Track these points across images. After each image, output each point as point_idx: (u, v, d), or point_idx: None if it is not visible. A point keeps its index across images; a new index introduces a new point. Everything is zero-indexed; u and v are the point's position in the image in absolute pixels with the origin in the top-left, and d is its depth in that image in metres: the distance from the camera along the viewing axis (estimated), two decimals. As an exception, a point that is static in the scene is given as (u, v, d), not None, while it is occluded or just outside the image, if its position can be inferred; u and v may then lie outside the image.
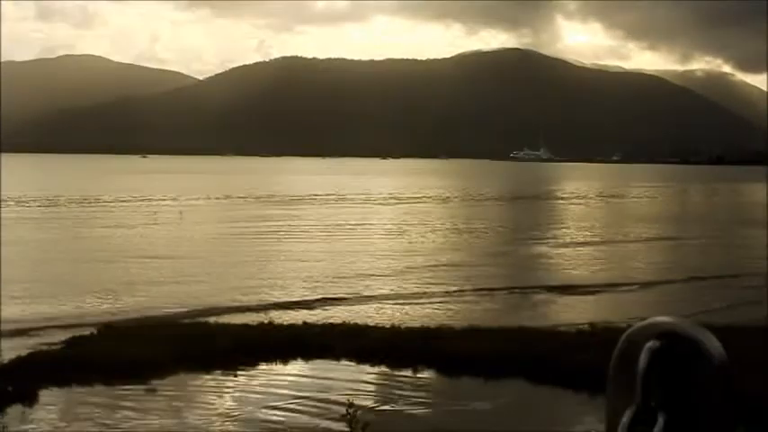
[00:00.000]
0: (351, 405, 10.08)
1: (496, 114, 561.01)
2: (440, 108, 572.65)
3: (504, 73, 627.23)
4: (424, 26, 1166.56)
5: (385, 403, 12.35)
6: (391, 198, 76.96)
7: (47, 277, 26.76)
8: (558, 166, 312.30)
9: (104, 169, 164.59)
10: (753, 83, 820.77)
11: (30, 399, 12.18)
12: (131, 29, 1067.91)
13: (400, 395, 12.76)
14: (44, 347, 15.27)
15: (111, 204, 63.46)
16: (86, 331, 16.44)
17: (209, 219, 52.86)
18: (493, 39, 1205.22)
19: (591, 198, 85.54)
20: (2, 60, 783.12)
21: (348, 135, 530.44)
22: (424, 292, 23.82)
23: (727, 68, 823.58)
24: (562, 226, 50.31)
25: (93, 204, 63.34)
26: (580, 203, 75.96)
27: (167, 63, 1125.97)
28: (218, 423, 11.58)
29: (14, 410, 11.73)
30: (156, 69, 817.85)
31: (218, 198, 74.12)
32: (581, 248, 37.46)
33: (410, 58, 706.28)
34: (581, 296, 23.77)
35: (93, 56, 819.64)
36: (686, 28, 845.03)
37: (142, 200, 67.68)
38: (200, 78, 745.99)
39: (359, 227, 46.17)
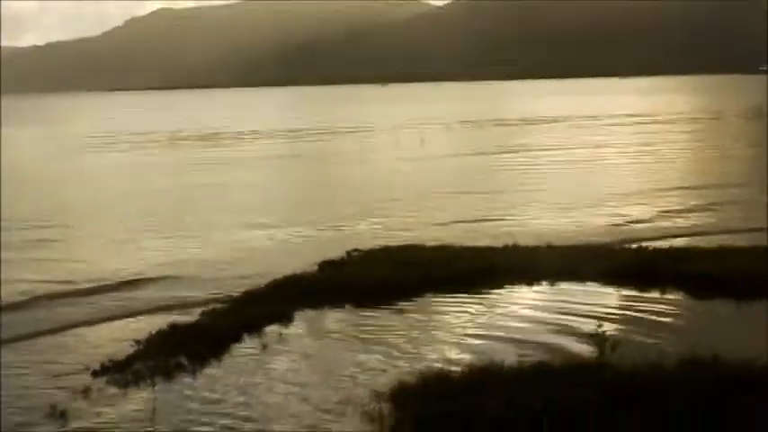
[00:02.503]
0: (600, 326, 9.90)
1: (739, 26, 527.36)
2: (672, 22, 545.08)
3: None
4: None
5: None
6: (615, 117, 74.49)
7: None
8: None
9: (346, 97, 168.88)
10: None
11: (286, 319, 12.80)
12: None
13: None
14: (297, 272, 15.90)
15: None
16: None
17: (448, 149, 53.12)
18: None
19: None
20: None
21: (588, 53, 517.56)
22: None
23: None
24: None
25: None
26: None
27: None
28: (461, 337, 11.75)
29: (272, 330, 12.33)
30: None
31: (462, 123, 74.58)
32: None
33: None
34: None
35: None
36: None
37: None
38: (439, 4, 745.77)
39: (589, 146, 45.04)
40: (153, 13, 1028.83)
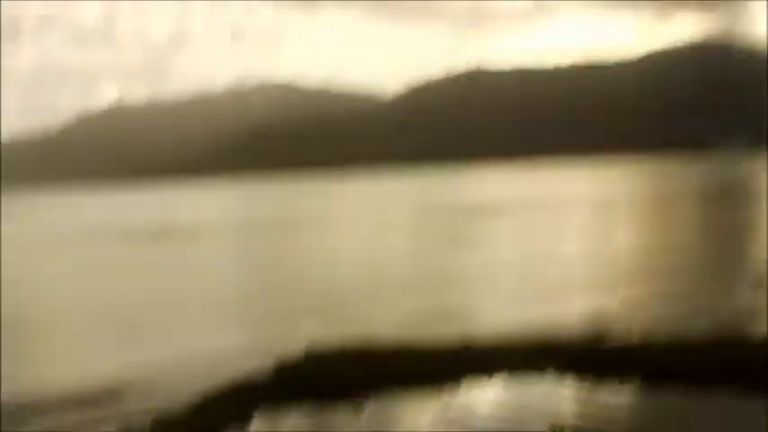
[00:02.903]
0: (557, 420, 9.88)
1: (698, 106, 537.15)
2: (638, 101, 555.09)
3: (703, 64, 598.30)
4: (614, 14, 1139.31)
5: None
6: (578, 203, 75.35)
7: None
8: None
9: (304, 187, 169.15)
10: None
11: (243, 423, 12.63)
12: (318, 47, 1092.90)
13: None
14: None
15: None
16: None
17: (406, 239, 53.19)
18: (689, 23, 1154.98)
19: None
20: (193, 90, 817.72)
21: (547, 136, 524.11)
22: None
23: None
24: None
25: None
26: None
27: (355, 80, 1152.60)
28: None
29: None
30: (346, 86, 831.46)
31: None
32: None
33: (597, 61, 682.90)
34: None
35: (280, 78, 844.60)
36: None
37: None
38: (388, 95, 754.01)
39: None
40: (106, 107, 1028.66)
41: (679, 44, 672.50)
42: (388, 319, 21.88)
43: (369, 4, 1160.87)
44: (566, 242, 42.94)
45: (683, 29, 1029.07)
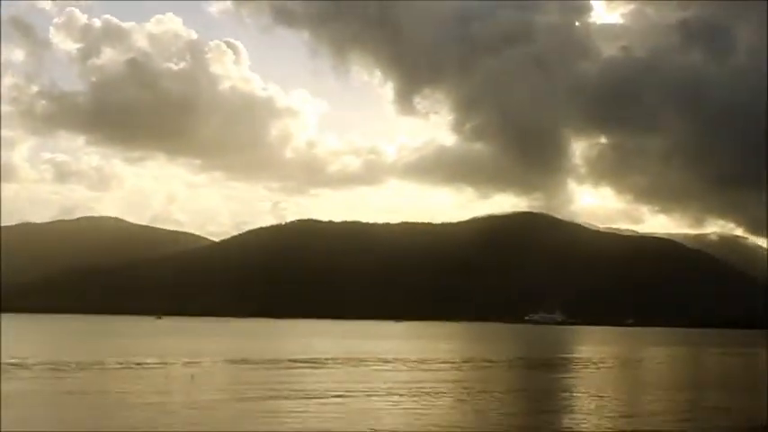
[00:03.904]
0: None
1: (510, 278, 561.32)
2: (454, 271, 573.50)
3: (517, 236, 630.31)
4: (436, 189, 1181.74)
5: None
6: (395, 361, 76.36)
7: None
8: (572, 329, 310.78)
9: (116, 332, 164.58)
10: (766, 246, 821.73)
11: None
12: (147, 191, 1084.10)
13: None
14: None
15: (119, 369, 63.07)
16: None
17: (220, 383, 52.38)
18: (505, 201, 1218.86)
19: (607, 364, 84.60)
20: (19, 221, 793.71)
21: (363, 297, 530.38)
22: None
23: (739, 232, 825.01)
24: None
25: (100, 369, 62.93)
26: (595, 371, 75.08)
27: (182, 225, 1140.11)
28: None
29: None
30: (172, 231, 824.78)
31: (231, 361, 73.73)
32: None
33: (425, 221, 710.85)
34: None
35: (109, 217, 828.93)
36: (698, 191, 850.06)
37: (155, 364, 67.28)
38: (215, 240, 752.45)
39: (361, 392, 45.66)
40: None
41: (494, 216, 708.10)
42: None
43: (198, 161, 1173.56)
44: (382, 398, 43.11)
45: (501, 205, 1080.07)
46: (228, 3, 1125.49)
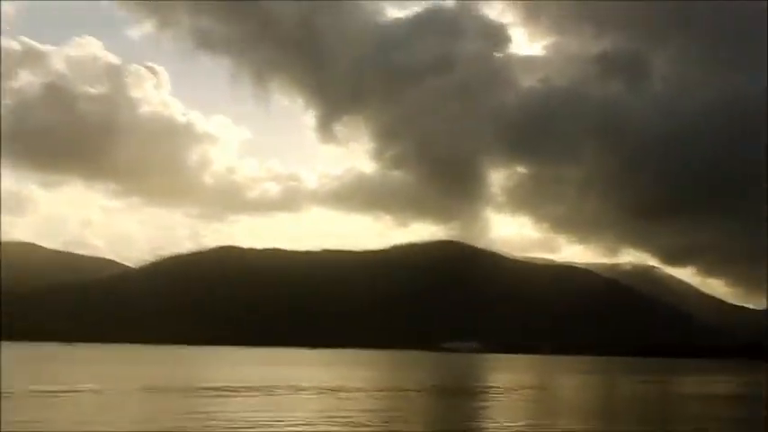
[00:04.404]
0: None
1: (428, 306, 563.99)
2: (373, 298, 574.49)
3: (435, 264, 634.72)
4: (356, 217, 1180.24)
5: None
6: (309, 389, 76.23)
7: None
8: (488, 357, 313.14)
9: (27, 358, 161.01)
10: (678, 276, 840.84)
11: None
12: (63, 215, 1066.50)
13: None
14: None
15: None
16: None
17: (127, 412, 51.75)
18: (424, 230, 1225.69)
19: (520, 391, 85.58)
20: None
21: (283, 324, 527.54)
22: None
23: (653, 262, 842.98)
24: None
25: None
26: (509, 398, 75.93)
27: (98, 250, 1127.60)
28: None
29: None
30: (87, 256, 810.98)
31: (144, 388, 72.78)
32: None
33: (346, 249, 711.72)
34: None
35: (24, 242, 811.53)
36: (613, 221, 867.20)
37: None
38: (132, 266, 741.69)
39: (274, 422, 45.60)
40: None
41: (413, 244, 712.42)
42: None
43: (116, 186, 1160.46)
44: (305, 426, 43.12)
45: (420, 234, 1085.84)
46: (150, 27, 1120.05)
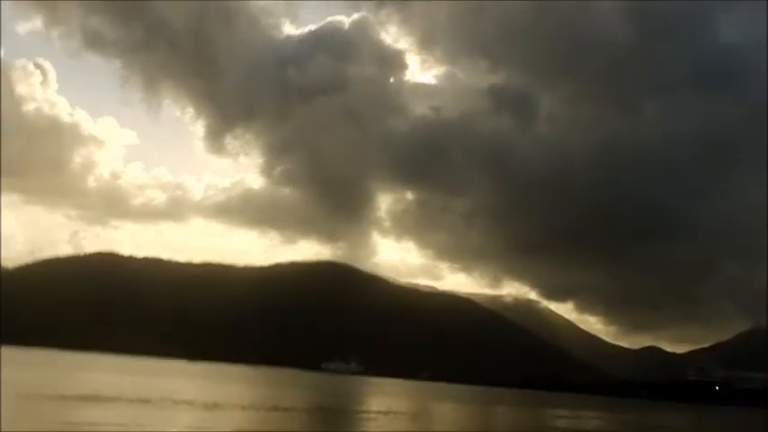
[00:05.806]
0: None
1: (309, 325, 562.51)
2: (253, 314, 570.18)
3: (319, 284, 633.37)
4: (241, 231, 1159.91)
5: None
6: (182, 403, 74.71)
7: None
8: (368, 380, 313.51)
9: None
10: (557, 310, 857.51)
11: None
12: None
13: None
14: None
15: None
16: None
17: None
18: (309, 248, 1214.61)
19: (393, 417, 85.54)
20: None
21: (158, 334, 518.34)
22: None
23: (532, 295, 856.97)
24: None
25: None
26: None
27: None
28: None
29: None
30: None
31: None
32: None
33: (227, 263, 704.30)
34: None
35: None
36: (497, 253, 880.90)
37: None
38: (8, 267, 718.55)
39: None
40: None
41: (297, 263, 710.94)
42: None
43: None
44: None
45: (305, 252, 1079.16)
46: (39, 23, 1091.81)
